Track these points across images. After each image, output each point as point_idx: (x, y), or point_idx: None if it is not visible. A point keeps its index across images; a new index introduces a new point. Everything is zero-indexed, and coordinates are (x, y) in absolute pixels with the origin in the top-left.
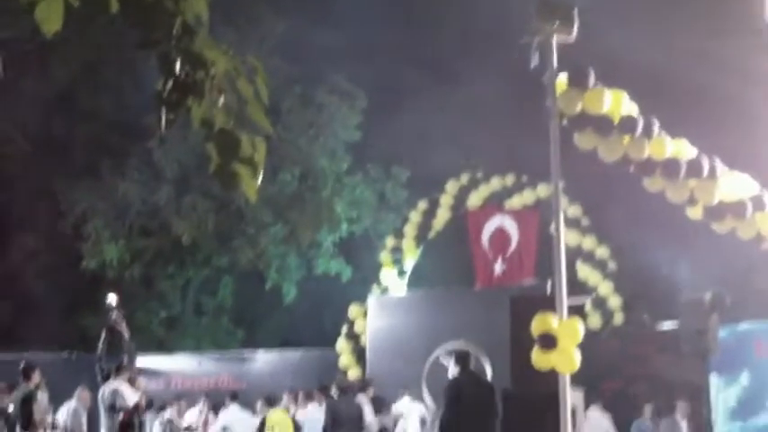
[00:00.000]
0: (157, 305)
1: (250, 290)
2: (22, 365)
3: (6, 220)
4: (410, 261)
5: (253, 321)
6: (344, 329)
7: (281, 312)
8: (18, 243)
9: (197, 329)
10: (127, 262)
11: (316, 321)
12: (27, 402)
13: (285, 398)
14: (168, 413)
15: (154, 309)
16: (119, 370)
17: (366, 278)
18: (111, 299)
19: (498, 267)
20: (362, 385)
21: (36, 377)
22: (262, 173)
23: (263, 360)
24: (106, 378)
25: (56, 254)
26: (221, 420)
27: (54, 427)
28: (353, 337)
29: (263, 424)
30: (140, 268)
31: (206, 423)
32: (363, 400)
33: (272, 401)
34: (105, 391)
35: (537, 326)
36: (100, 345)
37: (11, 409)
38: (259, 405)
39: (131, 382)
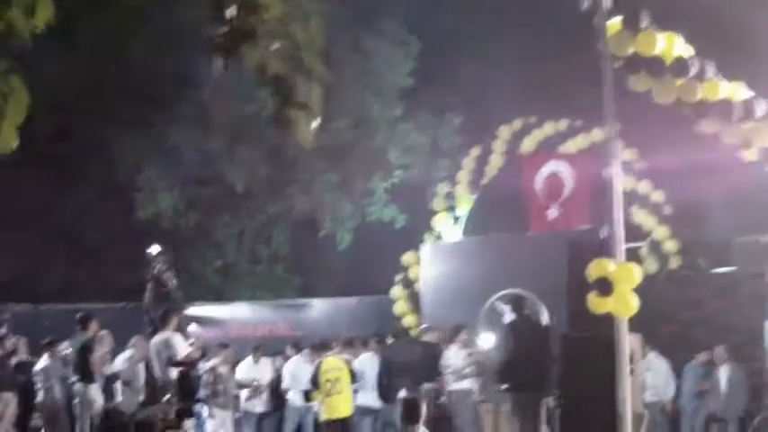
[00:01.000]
0: (212, 254)
1: (304, 238)
2: (79, 315)
3: (60, 172)
4: (464, 207)
5: (307, 269)
6: (399, 277)
7: (335, 260)
8: (72, 195)
9: (252, 278)
10: (181, 211)
11: (370, 269)
12: (85, 351)
13: (337, 346)
14: (213, 361)
15: (209, 258)
16: (164, 319)
17: (420, 225)
18: (155, 249)
19: (553, 212)
20: (455, 331)
21: (94, 327)
22: (318, 118)
23: (319, 308)
24: (155, 328)
25: (110, 205)
26: (285, 371)
27: (114, 377)
28: (408, 285)
29: (317, 370)
30: (195, 217)
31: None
32: (453, 347)
33: (323, 348)
34: (157, 341)
35: (593, 270)
36: (146, 295)
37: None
38: (309, 352)
39: (181, 331)
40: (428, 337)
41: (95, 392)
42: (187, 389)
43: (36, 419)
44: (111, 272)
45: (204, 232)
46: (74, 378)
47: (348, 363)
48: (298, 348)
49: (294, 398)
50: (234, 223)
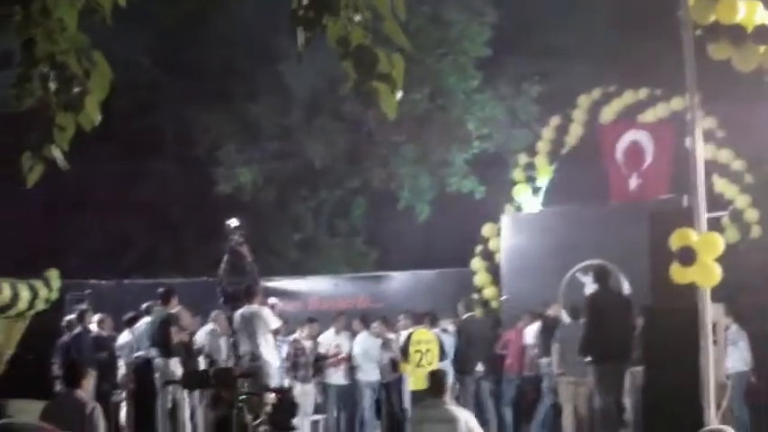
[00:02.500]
0: (291, 228)
1: (382, 211)
2: (160, 290)
3: (140, 147)
4: (543, 178)
5: (386, 242)
6: (479, 248)
7: (414, 232)
8: (153, 170)
9: (331, 251)
10: (260, 186)
11: (449, 241)
12: (165, 326)
13: (406, 319)
14: (296, 334)
15: (288, 232)
16: (250, 292)
17: (499, 196)
18: (232, 222)
19: (633, 182)
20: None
21: (174, 301)
22: (401, 89)
23: (399, 280)
24: (228, 300)
25: (190, 179)
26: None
27: (197, 352)
28: (488, 256)
29: (408, 341)
30: (274, 191)
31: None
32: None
33: (416, 319)
34: (245, 313)
35: (676, 240)
36: (222, 267)
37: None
38: (402, 321)
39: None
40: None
41: (175, 367)
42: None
43: (117, 395)
44: (192, 246)
45: (283, 206)
46: (154, 353)
47: (438, 337)
48: (365, 323)
49: (366, 373)
50: (312, 197)
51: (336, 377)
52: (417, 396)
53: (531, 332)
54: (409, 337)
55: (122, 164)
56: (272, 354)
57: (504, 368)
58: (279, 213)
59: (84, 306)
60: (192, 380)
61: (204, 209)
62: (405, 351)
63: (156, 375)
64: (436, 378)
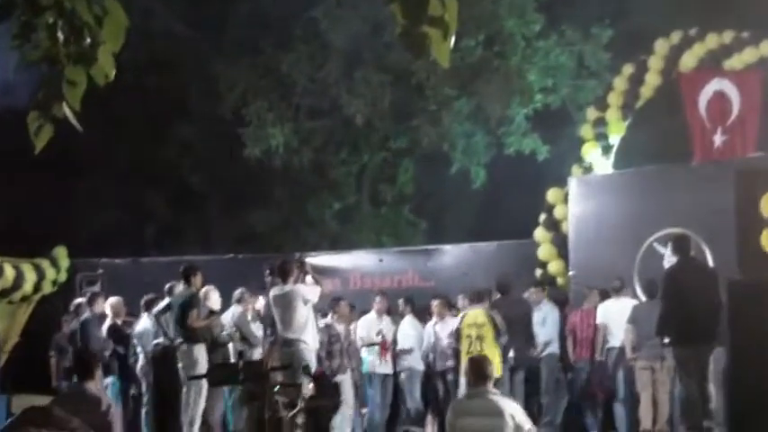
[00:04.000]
0: (330, 196)
1: (433, 175)
2: (182, 268)
3: (159, 107)
4: (616, 135)
5: (437, 211)
6: (543, 217)
7: (468, 199)
8: (172, 133)
9: (375, 222)
10: (294, 148)
11: (509, 209)
12: (188, 309)
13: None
14: (327, 318)
15: (326, 200)
16: (285, 270)
17: (565, 157)
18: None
19: (718, 138)
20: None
21: (198, 281)
22: (454, 34)
23: (453, 254)
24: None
25: (215, 142)
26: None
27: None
28: (553, 225)
29: (460, 324)
30: (310, 154)
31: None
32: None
33: (474, 298)
34: (280, 293)
35: (767, 204)
36: None
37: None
38: (460, 301)
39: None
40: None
41: (200, 355)
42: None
43: (136, 389)
44: (217, 219)
45: (320, 171)
46: (178, 340)
47: (492, 317)
48: (412, 304)
49: (414, 360)
50: (353, 160)
51: (380, 366)
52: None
53: (603, 311)
54: (461, 320)
55: (138, 126)
56: (312, 336)
57: (571, 355)
58: (315, 179)
59: (95, 288)
60: (218, 375)
61: (231, 176)
62: (458, 336)
63: (180, 365)
64: (477, 364)
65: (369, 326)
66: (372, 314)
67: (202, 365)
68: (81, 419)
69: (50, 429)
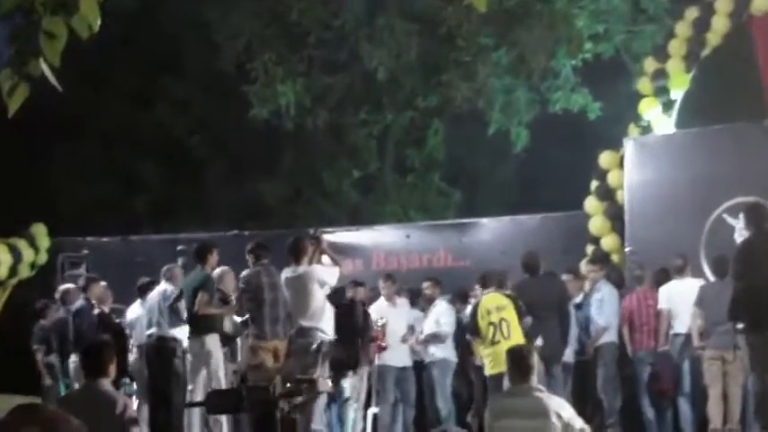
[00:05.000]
0: (349, 163)
1: (467, 137)
2: (195, 246)
3: (149, 61)
4: (678, 89)
5: (472, 179)
6: (594, 185)
7: (508, 165)
8: (166, 91)
9: (401, 192)
10: (307, 107)
11: (555, 175)
12: (197, 292)
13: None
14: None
15: (344, 168)
16: (297, 249)
17: (620, 115)
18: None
19: None
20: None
21: (213, 260)
22: None
23: (490, 229)
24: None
25: (215, 102)
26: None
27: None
28: (607, 194)
29: (475, 312)
30: (325, 115)
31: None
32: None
33: (485, 282)
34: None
35: None
36: None
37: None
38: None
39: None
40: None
41: (215, 347)
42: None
43: (127, 384)
44: (219, 190)
45: (337, 134)
46: (172, 330)
47: (514, 298)
48: (437, 283)
49: (439, 350)
50: (375, 121)
51: (395, 357)
52: (496, 382)
53: (666, 294)
54: (476, 307)
55: (127, 83)
56: (329, 324)
57: (628, 344)
58: (331, 144)
59: (79, 271)
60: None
61: (234, 140)
62: (474, 326)
63: (188, 361)
64: (517, 355)
65: (378, 313)
66: (381, 301)
67: (217, 360)
68: (93, 426)
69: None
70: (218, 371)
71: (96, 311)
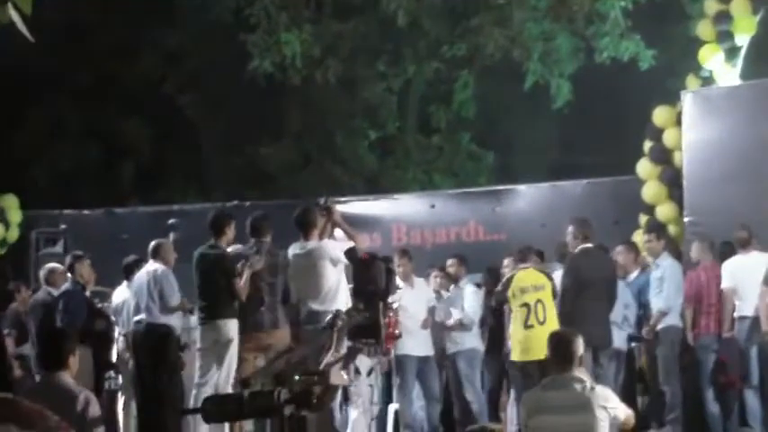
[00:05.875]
0: (365, 122)
1: (501, 92)
2: (211, 217)
3: (133, 8)
4: (744, 34)
5: (507, 139)
6: (648, 145)
7: (548, 123)
8: (152, 42)
9: (425, 155)
10: (316, 58)
11: (602, 135)
12: (219, 272)
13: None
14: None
15: (360, 128)
16: (306, 222)
17: (677, 65)
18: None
19: None
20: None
21: (230, 233)
22: None
23: (528, 197)
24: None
25: (210, 53)
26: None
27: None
28: (662, 157)
29: (505, 288)
30: (337, 67)
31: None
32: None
33: (524, 257)
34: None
35: None
36: None
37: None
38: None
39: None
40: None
41: (233, 331)
42: None
43: (113, 378)
44: (216, 154)
45: (350, 90)
46: (199, 315)
47: (550, 276)
48: (462, 261)
49: (472, 339)
50: (394, 74)
51: (415, 346)
52: (523, 371)
53: (730, 271)
54: (509, 281)
55: (110, 33)
56: (345, 306)
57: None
58: (344, 101)
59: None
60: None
61: (232, 98)
62: (499, 306)
63: (198, 352)
64: (561, 341)
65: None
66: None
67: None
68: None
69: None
70: (233, 365)
71: (87, 294)
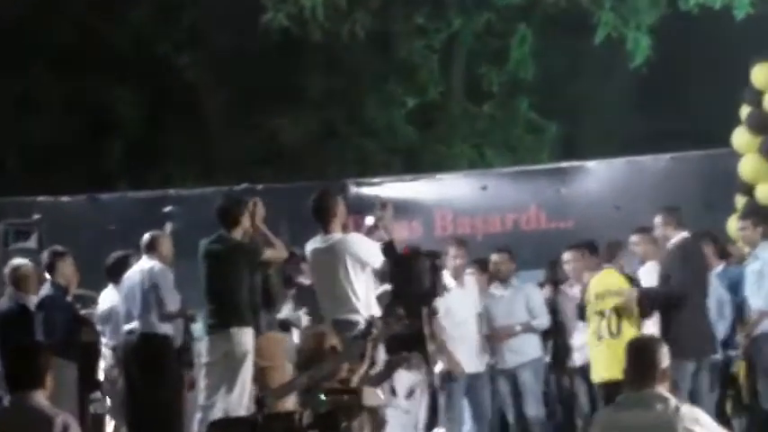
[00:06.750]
0: (401, 86)
1: (566, 49)
2: (220, 205)
3: None
4: None
5: (574, 106)
6: (745, 111)
7: (624, 86)
8: None
9: (474, 127)
10: (341, 9)
11: (689, 99)
12: (242, 255)
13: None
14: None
15: (395, 94)
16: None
17: None
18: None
19: None
20: None
21: (246, 222)
22: None
23: (600, 176)
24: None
25: (211, 5)
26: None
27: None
28: (763, 124)
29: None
30: (365, 20)
31: None
32: None
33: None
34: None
35: None
36: None
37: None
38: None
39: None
40: None
41: (249, 343)
42: None
43: (99, 401)
44: (222, 128)
45: (383, 48)
46: (205, 323)
47: (636, 280)
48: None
49: (533, 348)
50: (436, 29)
51: (465, 360)
52: (602, 391)
53: None
54: (585, 288)
55: None
56: (372, 311)
57: None
58: (376, 61)
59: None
60: None
61: (240, 60)
62: (581, 312)
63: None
64: (640, 352)
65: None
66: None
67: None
68: None
69: None
70: (248, 384)
71: (69, 299)
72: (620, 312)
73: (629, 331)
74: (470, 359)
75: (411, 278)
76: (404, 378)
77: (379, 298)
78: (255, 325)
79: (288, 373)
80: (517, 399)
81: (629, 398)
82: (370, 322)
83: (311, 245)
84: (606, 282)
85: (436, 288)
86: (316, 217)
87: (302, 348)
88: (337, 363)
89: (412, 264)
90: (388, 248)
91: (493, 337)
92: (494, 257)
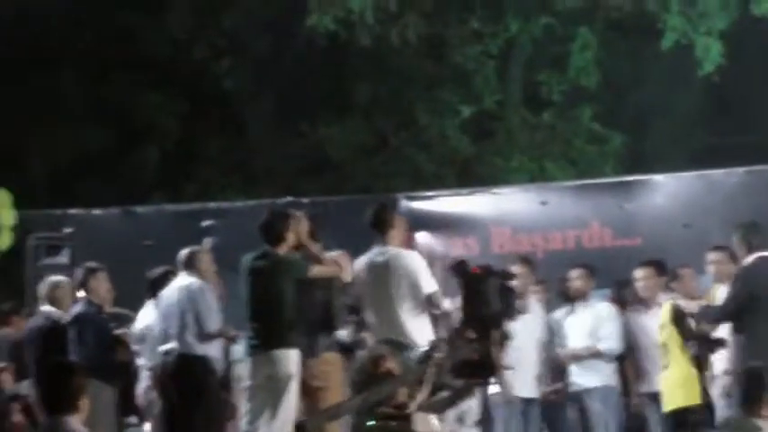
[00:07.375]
0: (455, 94)
1: (632, 55)
2: (264, 221)
3: None
4: None
5: (640, 116)
6: None
7: (693, 95)
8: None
9: (533, 138)
10: (391, 13)
11: (763, 107)
12: (289, 271)
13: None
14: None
15: (449, 102)
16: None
17: None
18: None
19: None
20: None
21: (291, 238)
22: None
23: (668, 191)
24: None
25: (252, 6)
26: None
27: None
28: None
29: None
30: (417, 24)
31: None
32: None
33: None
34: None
35: None
36: None
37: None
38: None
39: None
40: None
41: (294, 365)
42: None
43: (135, 426)
44: (264, 138)
45: (436, 53)
46: (247, 344)
47: (678, 310)
48: (591, 273)
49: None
50: (493, 33)
51: (521, 385)
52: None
53: None
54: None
55: None
56: (424, 334)
57: None
58: (428, 67)
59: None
60: None
61: (283, 65)
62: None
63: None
64: (754, 376)
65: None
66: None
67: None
68: None
69: None
70: (292, 409)
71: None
72: (668, 344)
73: (679, 364)
74: (526, 384)
75: (481, 299)
76: (474, 407)
77: (443, 318)
78: (309, 345)
79: (343, 395)
80: (586, 427)
81: (734, 425)
82: (434, 345)
83: (365, 257)
84: (663, 314)
85: (507, 309)
86: (373, 228)
87: (358, 370)
88: (394, 387)
89: (481, 283)
90: (460, 267)
91: (560, 360)
92: (573, 273)
